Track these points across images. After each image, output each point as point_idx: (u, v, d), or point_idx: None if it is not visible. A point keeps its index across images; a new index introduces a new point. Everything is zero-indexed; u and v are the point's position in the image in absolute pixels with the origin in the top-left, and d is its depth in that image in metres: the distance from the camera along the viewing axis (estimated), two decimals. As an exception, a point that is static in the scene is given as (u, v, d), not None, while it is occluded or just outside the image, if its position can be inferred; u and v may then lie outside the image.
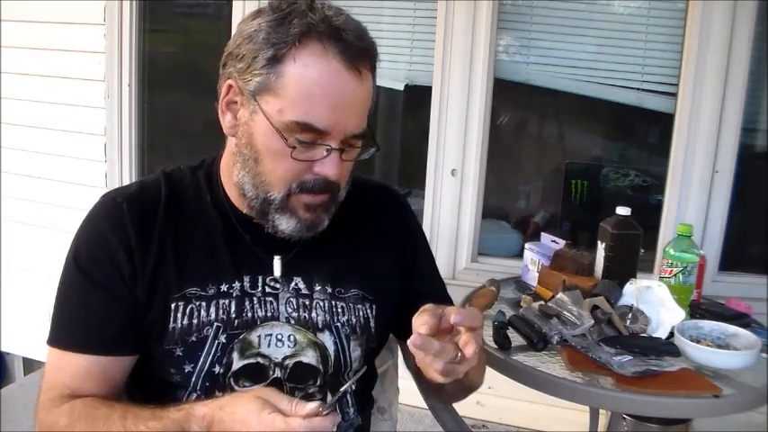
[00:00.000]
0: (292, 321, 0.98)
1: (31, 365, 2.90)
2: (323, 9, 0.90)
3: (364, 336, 1.03)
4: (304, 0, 0.90)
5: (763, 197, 2.22)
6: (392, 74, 2.39)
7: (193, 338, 0.94)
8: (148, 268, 0.94)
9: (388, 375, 1.45)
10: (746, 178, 2.15)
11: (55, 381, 0.94)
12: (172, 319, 0.94)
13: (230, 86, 0.93)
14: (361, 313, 1.03)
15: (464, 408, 1.38)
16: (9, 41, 2.64)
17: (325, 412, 0.80)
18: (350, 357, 1.02)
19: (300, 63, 0.88)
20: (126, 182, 2.63)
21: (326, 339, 1.00)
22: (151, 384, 1.00)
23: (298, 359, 0.98)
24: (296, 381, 0.98)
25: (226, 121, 0.95)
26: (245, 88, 0.91)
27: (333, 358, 1.00)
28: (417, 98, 2.37)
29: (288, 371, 0.98)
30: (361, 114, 0.93)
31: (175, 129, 2.83)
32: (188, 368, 0.94)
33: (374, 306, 1.04)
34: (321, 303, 1.01)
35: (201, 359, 0.94)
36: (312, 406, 0.80)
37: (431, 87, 2.27)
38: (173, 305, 0.94)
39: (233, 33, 0.95)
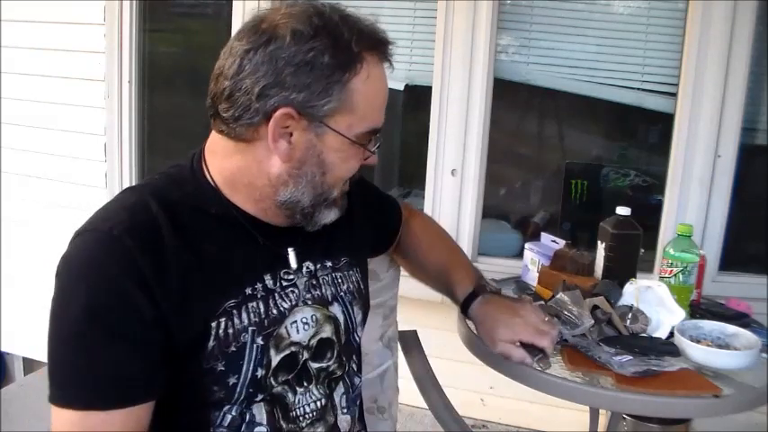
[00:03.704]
0: (310, 302, 1.02)
1: (30, 365, 2.90)
2: (350, 17, 0.92)
3: (361, 299, 1.11)
4: (333, 14, 0.91)
5: (764, 197, 2.22)
6: (392, 74, 2.38)
7: (233, 348, 0.92)
8: (174, 295, 0.88)
9: (388, 375, 1.45)
10: (747, 178, 2.16)
11: None
12: (213, 337, 0.90)
13: (286, 115, 0.89)
14: (353, 278, 1.10)
15: (464, 408, 1.38)
16: (9, 41, 2.64)
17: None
18: (355, 322, 1.08)
19: (365, 76, 0.92)
20: (126, 182, 2.63)
21: (336, 311, 1.05)
22: (174, 418, 0.94)
23: (319, 336, 1.02)
24: (318, 357, 1.02)
25: (281, 150, 0.91)
26: (311, 114, 0.90)
27: (343, 327, 1.05)
28: (417, 98, 2.37)
29: (312, 350, 1.01)
30: None
31: (175, 129, 2.83)
32: (232, 380, 0.92)
33: (358, 269, 1.12)
34: (326, 278, 1.06)
35: (244, 367, 0.93)
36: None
37: (431, 87, 2.27)
38: (213, 323, 0.91)
39: (250, 60, 0.89)
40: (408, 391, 1.51)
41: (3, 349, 2.87)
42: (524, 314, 1.23)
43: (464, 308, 1.28)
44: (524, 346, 1.21)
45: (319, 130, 0.92)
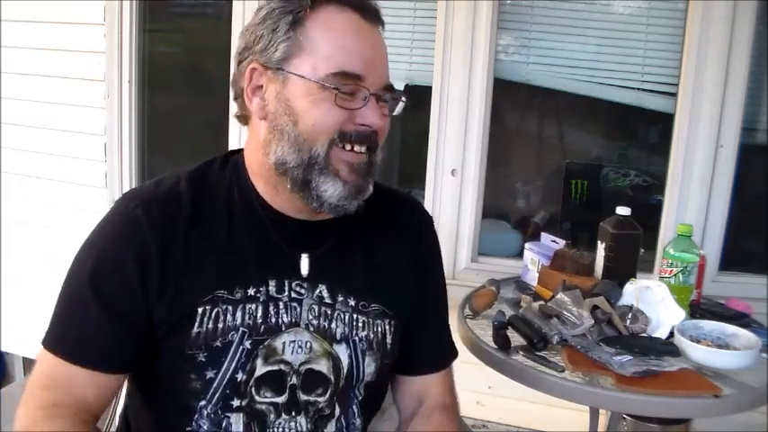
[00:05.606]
0: (311, 329, 0.97)
1: (30, 365, 2.89)
2: None
3: (380, 352, 1.02)
4: None
5: (764, 196, 2.23)
6: (392, 74, 2.36)
7: (218, 343, 0.92)
8: (173, 271, 0.91)
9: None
10: (747, 178, 2.16)
11: (45, 381, 0.91)
12: (197, 323, 0.91)
13: (253, 70, 0.94)
14: (379, 329, 1.02)
15: (464, 408, 1.37)
16: (9, 41, 2.64)
17: None
18: (363, 371, 1.01)
19: (322, 20, 0.92)
20: (126, 182, 2.63)
21: (342, 352, 0.99)
22: (159, 398, 0.97)
23: (310, 366, 0.97)
24: (307, 389, 0.97)
25: (255, 106, 0.95)
26: (269, 62, 0.93)
27: (345, 371, 0.99)
28: (417, 98, 2.37)
29: (301, 377, 0.97)
30: (387, 67, 0.98)
31: (175, 129, 2.83)
32: (210, 374, 0.92)
33: (393, 322, 1.04)
34: (342, 315, 0.99)
35: (225, 365, 0.92)
36: None
37: (431, 87, 2.27)
38: (200, 309, 0.91)
39: (238, 38, 0.99)
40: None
41: (3, 349, 2.87)
42: None
43: None
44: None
45: (282, 77, 0.92)
